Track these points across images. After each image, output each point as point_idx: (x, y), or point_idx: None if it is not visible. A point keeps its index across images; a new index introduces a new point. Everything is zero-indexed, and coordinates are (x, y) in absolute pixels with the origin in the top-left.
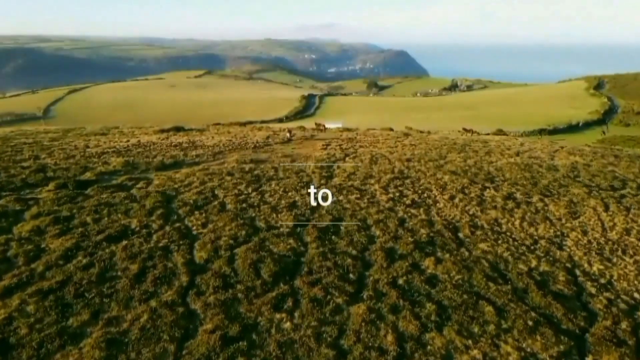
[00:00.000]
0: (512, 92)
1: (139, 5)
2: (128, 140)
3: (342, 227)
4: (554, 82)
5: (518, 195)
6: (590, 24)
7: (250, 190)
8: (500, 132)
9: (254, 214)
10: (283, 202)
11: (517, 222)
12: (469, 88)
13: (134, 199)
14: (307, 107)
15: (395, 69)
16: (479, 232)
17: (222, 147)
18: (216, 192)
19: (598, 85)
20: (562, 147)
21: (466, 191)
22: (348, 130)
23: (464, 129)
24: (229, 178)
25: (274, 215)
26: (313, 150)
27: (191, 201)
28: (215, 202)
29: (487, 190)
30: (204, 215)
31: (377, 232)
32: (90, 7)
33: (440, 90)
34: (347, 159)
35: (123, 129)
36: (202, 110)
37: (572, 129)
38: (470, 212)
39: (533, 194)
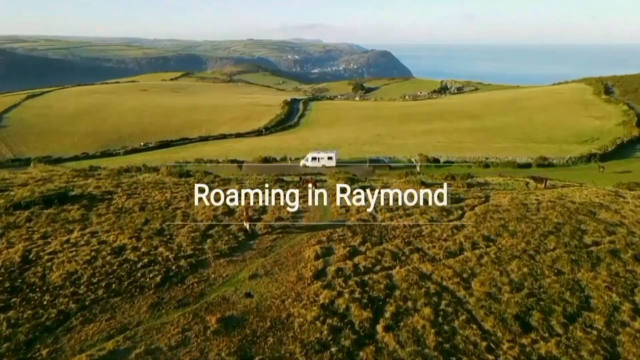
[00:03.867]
0: (512, 97)
1: (119, 5)
2: None
3: None
4: (541, 84)
5: None
6: (564, 26)
7: None
8: (544, 160)
9: None
10: None
11: None
12: (460, 90)
13: None
14: (290, 115)
15: (379, 70)
16: None
17: (88, 286)
18: None
19: (606, 89)
20: None
21: None
22: (356, 188)
23: (534, 179)
24: None
25: None
26: (294, 293)
27: None
28: None
29: None
30: None
31: None
32: (68, 6)
33: (429, 92)
34: (378, 335)
35: None
36: (173, 118)
37: (620, 151)
38: None
39: None
